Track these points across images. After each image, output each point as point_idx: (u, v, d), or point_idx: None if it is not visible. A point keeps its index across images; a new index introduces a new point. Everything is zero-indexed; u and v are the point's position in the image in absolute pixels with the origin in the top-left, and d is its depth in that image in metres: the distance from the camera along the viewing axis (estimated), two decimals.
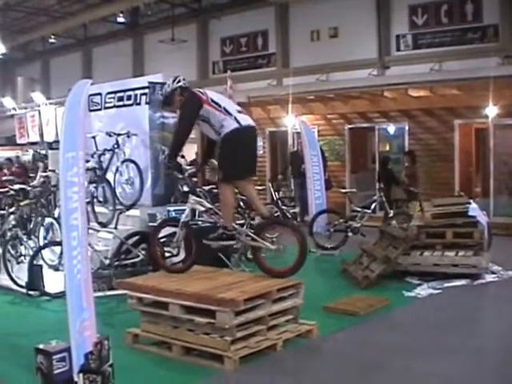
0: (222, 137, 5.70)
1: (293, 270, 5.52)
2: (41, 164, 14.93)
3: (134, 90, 8.97)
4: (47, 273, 7.69)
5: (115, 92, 9.29)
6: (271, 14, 17.47)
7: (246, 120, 5.78)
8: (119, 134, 8.60)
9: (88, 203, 7.65)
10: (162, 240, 6.61)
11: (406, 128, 14.46)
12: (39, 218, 9.06)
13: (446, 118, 13.69)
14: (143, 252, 7.64)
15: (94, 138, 8.78)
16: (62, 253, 6.36)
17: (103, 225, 8.08)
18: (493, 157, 13.07)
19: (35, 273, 7.44)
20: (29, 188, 9.77)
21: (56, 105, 15.99)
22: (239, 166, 5.74)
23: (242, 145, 5.73)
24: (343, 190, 12.25)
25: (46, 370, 4.35)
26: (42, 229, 8.87)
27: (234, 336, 4.99)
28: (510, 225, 12.00)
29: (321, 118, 16.00)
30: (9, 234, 8.42)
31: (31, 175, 14.13)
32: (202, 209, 6.17)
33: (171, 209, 8.25)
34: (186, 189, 9.02)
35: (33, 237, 8.82)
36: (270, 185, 13.97)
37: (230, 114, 5.70)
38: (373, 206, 10.70)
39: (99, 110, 9.53)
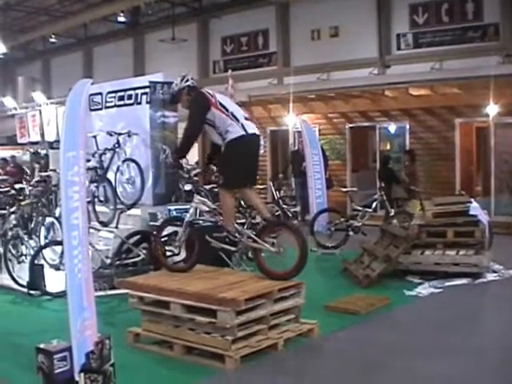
0: (226, 142, 5.68)
1: (293, 273, 5.51)
2: (37, 165, 14.95)
3: (134, 89, 8.95)
4: (48, 272, 7.69)
5: (116, 91, 9.27)
6: (272, 13, 17.47)
7: (252, 128, 5.76)
8: (120, 134, 8.60)
9: (89, 202, 7.66)
10: (163, 239, 6.61)
11: (407, 127, 14.45)
12: (40, 218, 9.06)
13: (447, 117, 13.68)
14: (144, 251, 7.65)
15: (94, 137, 8.77)
16: (62, 252, 6.35)
17: (104, 224, 8.09)
18: (494, 155, 13.07)
19: (36, 272, 7.44)
20: (24, 187, 9.77)
21: (57, 104, 15.96)
22: (240, 175, 5.74)
23: (246, 154, 5.72)
24: (344, 189, 12.25)
25: (47, 370, 4.34)
26: (42, 228, 8.87)
27: (235, 335, 4.99)
28: (511, 224, 12.00)
29: (322, 116, 15.98)
30: (10, 233, 8.42)
31: (28, 175, 14.18)
32: (206, 209, 6.17)
33: (172, 208, 8.25)
34: (187, 188, 9.04)
35: (34, 236, 8.81)
36: (271, 184, 14.00)
37: (237, 119, 5.67)
38: (374, 205, 10.69)
39: (100, 109, 9.51)
